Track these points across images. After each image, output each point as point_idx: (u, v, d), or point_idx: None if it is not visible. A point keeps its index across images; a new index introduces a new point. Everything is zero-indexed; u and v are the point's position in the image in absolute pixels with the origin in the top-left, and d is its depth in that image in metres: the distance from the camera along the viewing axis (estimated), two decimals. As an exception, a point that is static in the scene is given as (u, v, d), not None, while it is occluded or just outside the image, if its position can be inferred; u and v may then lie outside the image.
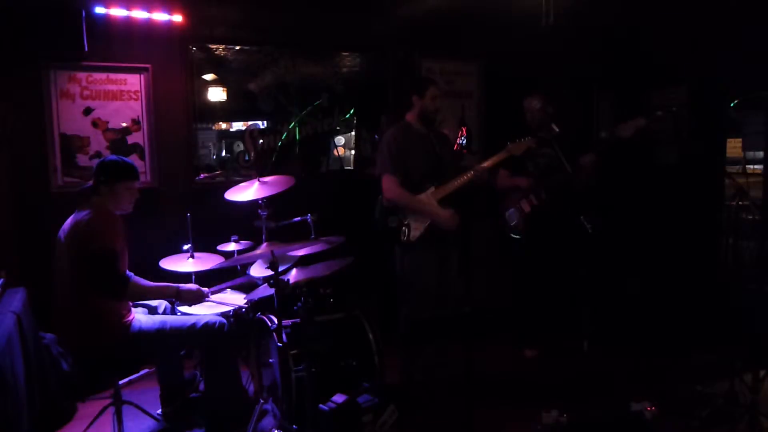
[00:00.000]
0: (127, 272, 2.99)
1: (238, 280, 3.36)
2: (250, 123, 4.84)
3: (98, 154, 4.15)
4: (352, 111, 5.10)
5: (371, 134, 5.18)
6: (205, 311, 3.32)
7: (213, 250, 3.68)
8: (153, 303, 3.31)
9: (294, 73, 4.86)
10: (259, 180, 3.57)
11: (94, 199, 2.94)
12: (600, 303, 4.12)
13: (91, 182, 2.98)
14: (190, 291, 3.10)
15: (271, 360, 3.22)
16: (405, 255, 3.59)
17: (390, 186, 3.52)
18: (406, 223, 3.51)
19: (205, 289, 3.19)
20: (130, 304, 3.05)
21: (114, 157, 3.14)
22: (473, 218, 4.66)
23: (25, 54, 3.90)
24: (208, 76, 4.61)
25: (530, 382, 3.82)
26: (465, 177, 3.55)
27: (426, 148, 3.61)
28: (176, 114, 4.42)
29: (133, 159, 4.21)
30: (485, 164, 3.55)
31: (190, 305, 3.19)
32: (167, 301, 3.36)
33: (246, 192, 3.53)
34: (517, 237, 4.14)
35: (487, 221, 4.36)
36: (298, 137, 4.90)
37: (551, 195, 4.03)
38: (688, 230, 4.78)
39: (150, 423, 3.31)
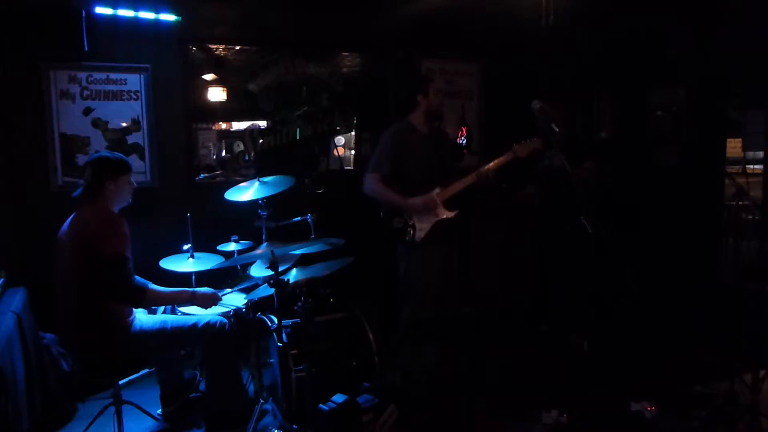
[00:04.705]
0: (144, 280, 3.01)
1: (247, 284, 3.36)
2: (250, 123, 4.84)
3: (98, 154, 4.16)
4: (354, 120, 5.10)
5: (371, 134, 5.18)
6: (206, 311, 3.31)
7: (213, 250, 3.68)
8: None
9: (294, 73, 4.85)
10: (259, 180, 3.57)
11: (99, 199, 2.92)
12: (600, 303, 4.12)
13: (87, 183, 2.94)
14: (205, 295, 3.12)
15: (271, 360, 3.22)
16: (408, 255, 3.60)
17: (368, 182, 3.61)
18: (411, 223, 3.53)
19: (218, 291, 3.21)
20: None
21: (106, 153, 3.12)
22: (477, 219, 4.69)
23: (25, 54, 3.90)
24: (208, 76, 4.60)
25: (530, 382, 3.82)
26: (470, 178, 3.55)
27: (427, 149, 3.61)
28: (176, 114, 4.42)
29: (133, 159, 4.21)
30: (490, 166, 3.55)
31: (205, 308, 3.19)
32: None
33: (246, 192, 3.53)
34: None
35: (498, 221, 4.36)
36: (298, 137, 4.90)
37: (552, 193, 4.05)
38: (689, 230, 4.78)
39: (150, 423, 3.31)
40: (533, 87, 4.42)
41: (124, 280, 2.81)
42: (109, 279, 2.80)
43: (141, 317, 3.04)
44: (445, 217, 3.56)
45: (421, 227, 3.53)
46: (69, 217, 2.96)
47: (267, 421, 3.19)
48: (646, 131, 5.20)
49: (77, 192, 2.95)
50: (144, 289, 2.91)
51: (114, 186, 2.93)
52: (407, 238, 3.54)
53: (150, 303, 3.03)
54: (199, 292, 3.11)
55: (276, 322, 3.02)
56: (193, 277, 3.60)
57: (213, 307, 3.20)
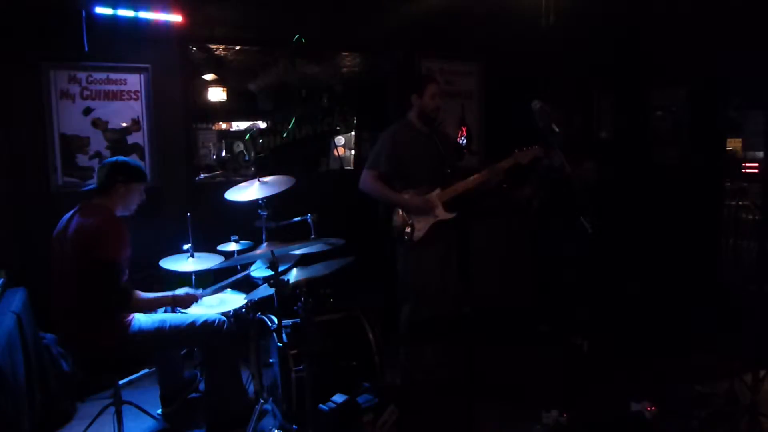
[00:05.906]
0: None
1: (232, 279, 3.34)
2: (249, 123, 4.85)
3: (98, 154, 4.15)
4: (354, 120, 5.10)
5: (371, 134, 5.18)
6: (205, 310, 3.31)
7: (213, 250, 3.68)
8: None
9: (294, 73, 4.85)
10: (259, 180, 3.57)
11: (105, 200, 2.92)
12: (600, 303, 4.12)
13: (98, 181, 2.95)
14: (185, 296, 3.13)
15: (271, 360, 3.22)
16: (407, 255, 3.59)
17: (364, 178, 3.60)
18: (409, 223, 3.53)
19: (199, 291, 3.20)
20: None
21: (128, 158, 3.17)
22: (475, 219, 4.69)
23: (25, 54, 3.91)
24: (208, 76, 4.61)
25: (530, 382, 3.82)
26: (471, 181, 3.55)
27: (428, 148, 3.61)
28: (176, 114, 4.42)
29: (133, 159, 4.20)
30: (492, 169, 3.55)
31: (185, 309, 3.21)
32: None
33: (246, 192, 3.53)
34: None
35: (498, 221, 4.36)
36: (298, 137, 4.90)
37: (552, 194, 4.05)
38: (688, 230, 4.79)
39: (150, 423, 3.31)
40: (533, 87, 4.42)
41: (110, 283, 2.81)
42: (97, 280, 2.80)
43: (140, 317, 3.04)
44: (443, 218, 3.56)
45: (420, 227, 3.53)
46: (69, 213, 2.95)
47: (267, 421, 3.19)
48: (646, 131, 5.21)
49: (87, 187, 2.96)
50: (128, 293, 2.90)
51: (124, 189, 2.95)
52: (405, 238, 3.54)
53: (135, 308, 2.99)
54: (178, 294, 3.12)
55: (276, 322, 3.02)
56: (193, 277, 3.60)
57: (200, 304, 3.22)
